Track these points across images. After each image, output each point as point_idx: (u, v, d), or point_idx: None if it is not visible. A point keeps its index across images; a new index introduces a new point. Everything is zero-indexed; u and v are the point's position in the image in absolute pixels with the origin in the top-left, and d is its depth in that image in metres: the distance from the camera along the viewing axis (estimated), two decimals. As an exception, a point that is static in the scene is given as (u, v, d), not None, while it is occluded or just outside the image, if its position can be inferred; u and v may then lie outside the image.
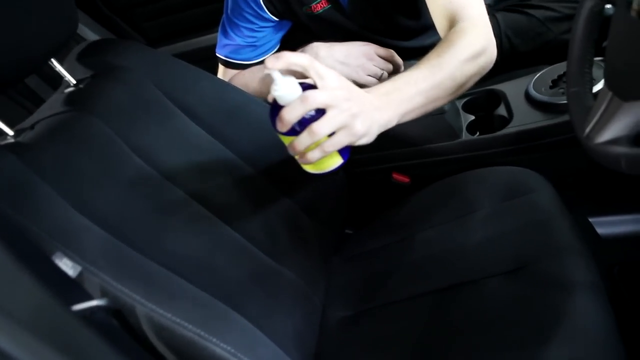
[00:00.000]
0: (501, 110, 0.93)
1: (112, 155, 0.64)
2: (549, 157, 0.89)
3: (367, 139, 0.60)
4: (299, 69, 0.55)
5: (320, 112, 0.55)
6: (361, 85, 0.87)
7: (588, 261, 0.68)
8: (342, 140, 0.57)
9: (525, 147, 0.88)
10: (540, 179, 0.83)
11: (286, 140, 0.59)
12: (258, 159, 0.81)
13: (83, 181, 0.58)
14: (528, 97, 0.91)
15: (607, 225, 0.99)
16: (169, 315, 0.50)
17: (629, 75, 0.46)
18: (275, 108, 0.56)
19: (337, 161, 0.62)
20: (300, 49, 0.92)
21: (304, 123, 0.55)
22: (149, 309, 0.49)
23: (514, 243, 0.74)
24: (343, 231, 0.97)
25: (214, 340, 0.51)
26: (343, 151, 0.61)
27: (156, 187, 0.67)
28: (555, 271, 0.67)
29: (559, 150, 0.89)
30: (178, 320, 0.50)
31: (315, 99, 0.53)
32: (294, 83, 0.54)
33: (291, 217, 0.81)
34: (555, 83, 0.89)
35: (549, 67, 0.92)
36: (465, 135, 0.92)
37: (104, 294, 0.48)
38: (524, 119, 0.88)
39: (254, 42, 1.01)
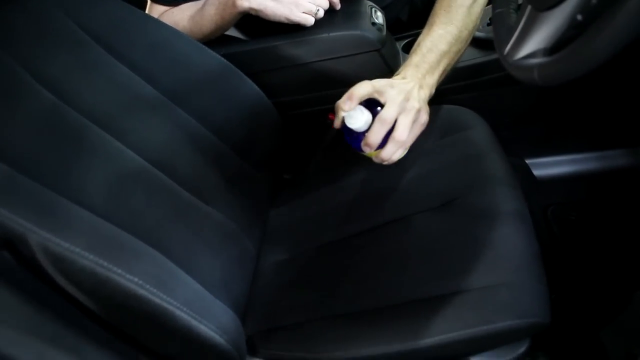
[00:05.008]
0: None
1: (10, 85, 0.58)
2: (486, 96, 0.89)
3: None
4: (366, 96, 0.64)
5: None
6: (296, 24, 0.84)
7: (514, 191, 0.68)
8: (417, 132, 0.65)
9: (462, 85, 0.87)
10: (477, 117, 0.83)
11: (371, 154, 0.67)
12: (184, 97, 0.76)
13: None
14: (466, 35, 0.89)
15: (543, 167, 1.00)
16: (66, 244, 0.46)
17: (542, -19, 0.45)
18: (354, 134, 0.65)
19: None
20: None
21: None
22: (42, 238, 0.45)
23: (445, 178, 0.74)
24: (281, 176, 0.95)
25: (119, 271, 0.48)
26: None
27: (65, 119, 0.61)
28: (483, 203, 0.67)
29: (495, 89, 0.88)
30: (76, 250, 0.46)
31: (390, 116, 0.62)
32: (362, 110, 0.63)
33: (221, 158, 0.78)
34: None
35: (488, 6, 0.91)
36: (402, 75, 0.89)
37: (-11, 223, 0.44)
38: (461, 56, 0.86)
39: (187, -22, 0.95)
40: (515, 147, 0.89)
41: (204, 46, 0.81)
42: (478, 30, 0.87)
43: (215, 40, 0.90)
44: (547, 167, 1.00)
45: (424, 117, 0.65)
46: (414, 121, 0.64)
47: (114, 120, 0.67)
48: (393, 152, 0.64)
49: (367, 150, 0.65)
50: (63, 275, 0.47)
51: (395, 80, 0.67)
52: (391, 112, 0.62)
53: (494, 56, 0.85)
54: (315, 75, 0.87)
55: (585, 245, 0.94)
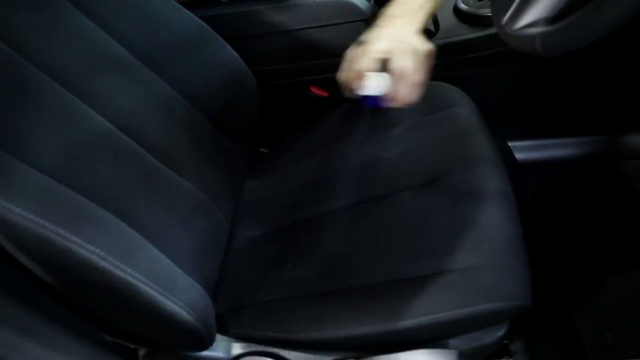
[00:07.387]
0: (428, 24, 0.88)
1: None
2: (472, 75, 0.86)
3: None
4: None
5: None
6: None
7: (500, 171, 0.66)
8: (422, 67, 0.63)
9: (449, 62, 0.84)
10: (462, 94, 0.80)
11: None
12: (157, 60, 0.71)
13: None
14: (456, 10, 0.86)
15: (525, 150, 0.99)
16: (19, 210, 0.41)
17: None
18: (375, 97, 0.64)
19: None
20: None
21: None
22: (-8, 202, 0.41)
23: (430, 156, 0.71)
24: (257, 149, 0.91)
25: (78, 241, 0.44)
26: None
27: (23, 74, 0.56)
28: (468, 182, 0.65)
29: (482, 68, 0.86)
30: (30, 216, 0.42)
31: (409, 68, 0.61)
32: (377, 75, 0.62)
33: (195, 127, 0.74)
34: (484, -4, 0.85)
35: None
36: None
37: None
38: (450, 32, 0.84)
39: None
40: (498, 129, 0.87)
41: (180, 6, 0.76)
42: (467, 5, 0.85)
43: (192, 1, 0.84)
44: (529, 151, 0.99)
45: (420, 48, 0.62)
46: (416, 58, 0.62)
47: (79, 80, 0.61)
48: (415, 94, 0.63)
49: (395, 105, 0.64)
50: (15, 245, 0.43)
51: (387, 29, 0.64)
52: (407, 64, 0.61)
53: (482, 33, 0.82)
54: (298, 44, 0.83)
55: (562, 230, 0.94)
